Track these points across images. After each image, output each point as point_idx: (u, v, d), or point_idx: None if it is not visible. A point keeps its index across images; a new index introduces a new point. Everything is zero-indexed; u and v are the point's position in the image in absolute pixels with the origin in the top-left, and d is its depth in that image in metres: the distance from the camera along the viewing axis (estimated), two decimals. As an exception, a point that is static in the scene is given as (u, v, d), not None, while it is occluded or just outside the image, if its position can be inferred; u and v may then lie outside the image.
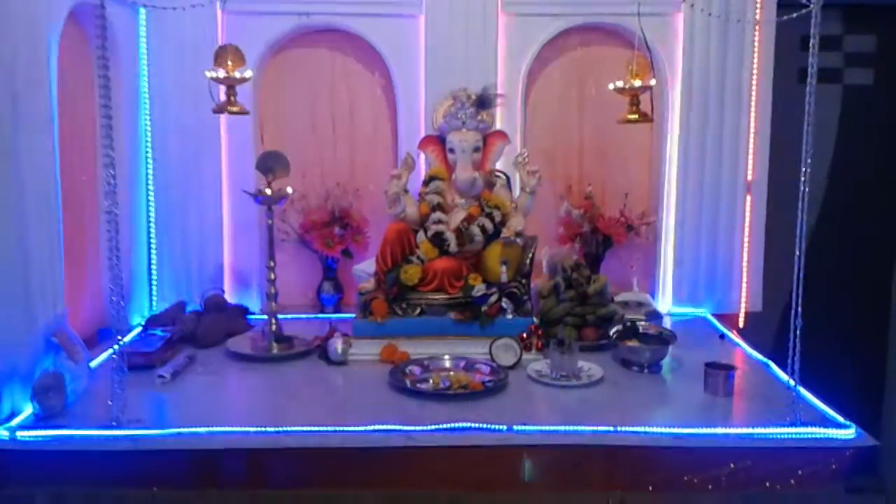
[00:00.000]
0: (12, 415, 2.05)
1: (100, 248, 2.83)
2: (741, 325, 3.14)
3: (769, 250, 3.17)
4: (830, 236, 3.65)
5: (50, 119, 2.27)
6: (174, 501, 2.08)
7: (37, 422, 2.03)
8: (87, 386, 2.23)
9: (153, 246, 3.04)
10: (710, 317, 3.11)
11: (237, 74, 2.17)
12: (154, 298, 3.06)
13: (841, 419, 2.06)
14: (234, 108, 2.21)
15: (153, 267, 3.05)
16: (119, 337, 2.03)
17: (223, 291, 2.98)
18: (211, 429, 2.01)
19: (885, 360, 3.76)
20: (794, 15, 2.05)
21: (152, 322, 2.77)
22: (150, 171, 3.00)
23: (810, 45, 1.93)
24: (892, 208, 3.68)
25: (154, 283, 3.06)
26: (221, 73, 2.18)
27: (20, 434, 1.97)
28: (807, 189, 2.00)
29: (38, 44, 2.24)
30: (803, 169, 1.99)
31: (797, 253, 1.98)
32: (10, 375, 2.06)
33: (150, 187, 3.01)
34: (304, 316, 3.04)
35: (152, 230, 3.03)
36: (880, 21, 3.60)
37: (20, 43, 2.14)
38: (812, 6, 1.92)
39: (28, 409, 2.07)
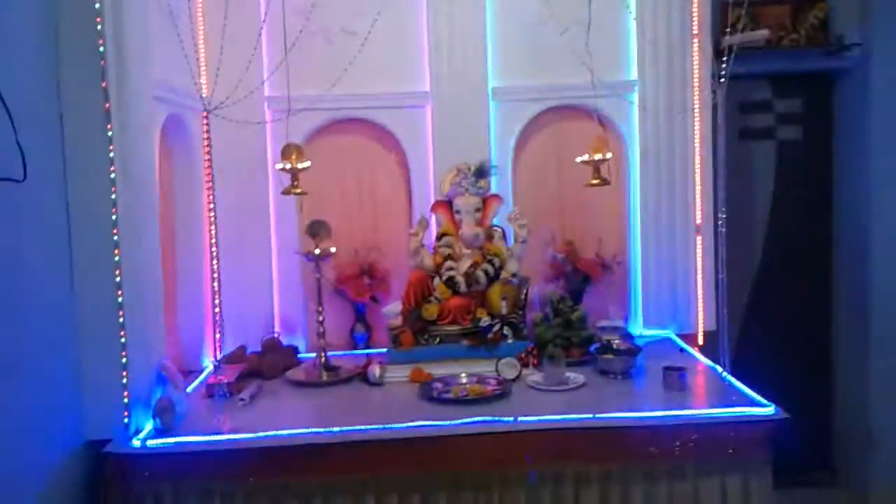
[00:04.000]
0: (137, 431, 2.64)
1: (177, 305, 3.46)
2: (700, 342, 3.62)
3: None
4: (776, 260, 4.26)
5: (155, 209, 2.86)
6: (266, 488, 2.58)
7: (157, 434, 2.61)
8: (187, 408, 2.85)
9: (216, 301, 3.63)
10: (674, 336, 3.62)
11: (300, 165, 2.80)
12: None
13: (764, 401, 2.65)
14: (298, 191, 2.82)
15: (215, 318, 3.64)
16: (216, 373, 2.72)
17: (279, 334, 3.56)
18: (290, 431, 2.60)
19: (830, 358, 4.30)
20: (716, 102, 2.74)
21: (223, 362, 3.34)
22: (215, 240, 3.54)
23: (717, 120, 2.63)
24: (825, 236, 4.28)
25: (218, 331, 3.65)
26: (288, 165, 2.82)
27: (149, 443, 2.56)
28: (721, 226, 2.68)
29: (149, 146, 2.81)
30: (720, 215, 2.67)
31: (718, 276, 2.65)
32: (136, 401, 2.65)
33: (215, 252, 3.61)
34: (340, 353, 3.51)
35: (215, 288, 3.61)
36: (804, 87, 4.25)
37: (140, 145, 2.70)
38: (716, 95, 2.63)
39: (149, 426, 2.66)
